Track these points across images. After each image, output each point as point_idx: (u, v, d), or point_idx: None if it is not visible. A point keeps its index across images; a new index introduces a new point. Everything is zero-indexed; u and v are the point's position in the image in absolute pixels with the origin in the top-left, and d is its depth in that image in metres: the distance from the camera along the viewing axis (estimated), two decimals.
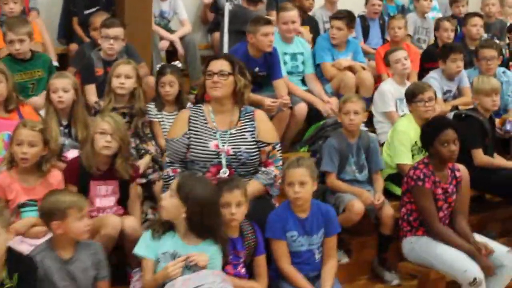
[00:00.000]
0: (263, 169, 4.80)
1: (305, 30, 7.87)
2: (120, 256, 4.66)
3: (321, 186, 5.52)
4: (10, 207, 4.49)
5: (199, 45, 8.25)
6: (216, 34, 8.00)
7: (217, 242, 4.15)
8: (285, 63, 6.91)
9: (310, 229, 4.66)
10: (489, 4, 9.34)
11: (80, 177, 4.71)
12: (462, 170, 5.54)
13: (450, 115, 6.61)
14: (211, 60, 4.86)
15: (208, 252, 4.11)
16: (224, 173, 4.67)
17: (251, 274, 4.47)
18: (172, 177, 4.65)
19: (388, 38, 8.23)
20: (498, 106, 6.53)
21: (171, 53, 7.87)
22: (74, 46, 7.42)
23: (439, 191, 5.20)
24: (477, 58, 7.44)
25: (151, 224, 4.36)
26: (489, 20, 9.19)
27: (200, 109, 4.84)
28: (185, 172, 4.66)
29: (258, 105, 5.97)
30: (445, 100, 7.23)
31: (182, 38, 7.80)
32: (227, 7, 7.16)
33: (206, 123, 4.77)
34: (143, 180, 5.30)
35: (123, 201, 4.84)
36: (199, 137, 4.73)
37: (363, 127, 6.03)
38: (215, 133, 4.74)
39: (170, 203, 4.09)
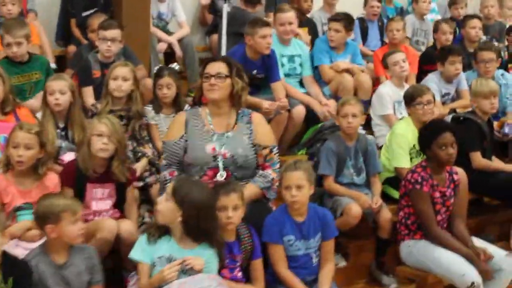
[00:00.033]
0: (260, 172, 4.78)
1: (304, 32, 7.86)
2: (116, 260, 4.65)
3: (318, 190, 5.52)
4: (5, 211, 4.49)
5: (197, 47, 8.25)
6: (215, 36, 7.99)
7: (213, 246, 4.14)
8: (282, 65, 6.90)
9: (307, 233, 4.65)
10: (488, 6, 9.34)
11: (77, 180, 4.70)
12: (460, 173, 5.53)
13: (449, 118, 6.60)
14: (208, 63, 4.84)
15: (204, 256, 4.10)
16: (221, 176, 4.65)
17: (247, 278, 4.46)
18: (169, 180, 4.64)
19: (386, 40, 8.21)
20: (496, 109, 6.51)
21: (169, 55, 7.85)
22: (72, 48, 7.41)
23: (437, 194, 5.20)
24: (476, 60, 7.43)
25: (146, 228, 4.34)
26: (488, 22, 9.19)
27: (197, 112, 4.82)
28: (181, 175, 4.65)
29: (256, 107, 5.95)
30: (443, 103, 7.21)
31: (180, 40, 7.80)
32: (225, 9, 7.14)
33: (203, 126, 4.76)
34: (140, 183, 5.28)
35: (119, 205, 4.82)
36: (196, 140, 4.72)
37: (361, 130, 6.01)
38: (212, 136, 4.73)
39: (165, 207, 4.08)
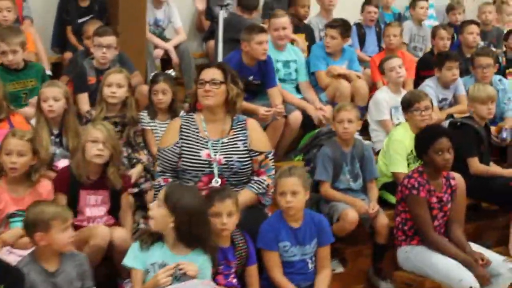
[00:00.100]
0: (255, 178, 4.76)
1: (301, 38, 7.85)
2: (111, 267, 4.62)
3: (315, 195, 5.52)
4: None
5: (194, 53, 8.24)
6: (211, 42, 7.97)
7: (206, 251, 4.12)
8: (277, 70, 6.88)
9: (303, 239, 4.63)
10: (486, 12, 9.33)
11: (70, 186, 4.68)
12: (457, 179, 5.51)
13: (446, 123, 6.58)
14: (203, 69, 4.83)
15: (197, 262, 4.07)
16: (216, 182, 4.63)
17: (242, 284, 4.45)
18: (163, 187, 4.61)
19: (384, 46, 8.20)
20: (493, 114, 6.50)
21: (166, 62, 7.84)
22: (68, 55, 7.39)
23: (434, 199, 5.18)
24: (473, 65, 7.41)
25: (139, 235, 4.32)
26: (485, 27, 9.18)
27: (192, 118, 4.80)
28: (173, 181, 4.63)
29: (252, 114, 5.95)
30: (440, 108, 7.20)
31: (176, 47, 7.78)
32: (222, 15, 7.13)
33: (197, 132, 4.74)
34: (135, 190, 5.27)
35: (114, 211, 4.80)
36: (190, 146, 4.70)
37: (357, 136, 5.99)
38: (206, 142, 4.71)
39: (158, 213, 4.06)
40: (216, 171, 4.65)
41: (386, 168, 6.02)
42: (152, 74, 6.19)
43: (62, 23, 7.63)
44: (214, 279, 4.21)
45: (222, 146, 4.70)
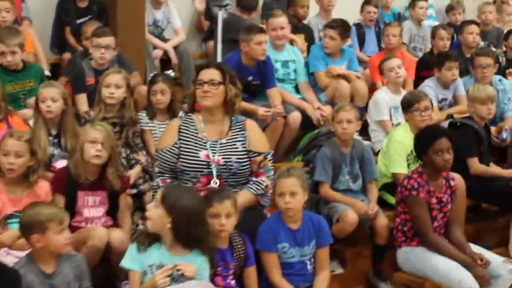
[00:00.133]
0: (254, 179, 4.74)
1: (300, 38, 7.84)
2: (109, 269, 4.61)
3: (314, 196, 5.50)
4: None
5: (194, 54, 8.23)
6: (211, 43, 7.96)
7: (204, 252, 4.10)
8: (276, 70, 6.87)
9: (302, 240, 4.62)
10: (486, 11, 9.33)
11: (68, 187, 4.67)
12: (457, 179, 5.49)
13: (446, 124, 6.57)
14: (202, 69, 4.81)
15: (195, 263, 4.06)
16: (215, 183, 4.62)
17: (241, 286, 4.43)
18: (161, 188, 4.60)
19: (384, 46, 8.18)
20: (493, 115, 6.48)
21: (165, 62, 7.83)
22: (67, 56, 7.39)
23: (434, 200, 5.17)
24: (473, 66, 7.41)
25: (136, 236, 4.31)
26: (485, 27, 9.17)
27: (191, 119, 4.78)
28: (171, 182, 4.61)
29: (251, 114, 5.93)
30: (440, 109, 7.20)
31: (176, 47, 7.78)
32: (221, 15, 7.12)
33: (196, 133, 4.72)
34: (134, 191, 5.27)
35: (112, 212, 4.79)
36: (189, 147, 4.68)
37: (357, 136, 5.97)
38: (205, 143, 4.69)
39: (155, 214, 4.04)
40: (214, 172, 4.63)
41: (385, 168, 6.01)
42: (151, 74, 6.19)
43: (61, 24, 7.63)
44: (212, 280, 4.19)
45: (220, 147, 4.69)
